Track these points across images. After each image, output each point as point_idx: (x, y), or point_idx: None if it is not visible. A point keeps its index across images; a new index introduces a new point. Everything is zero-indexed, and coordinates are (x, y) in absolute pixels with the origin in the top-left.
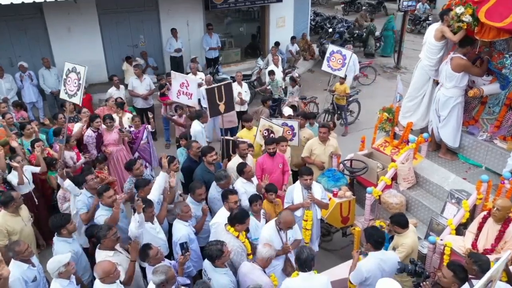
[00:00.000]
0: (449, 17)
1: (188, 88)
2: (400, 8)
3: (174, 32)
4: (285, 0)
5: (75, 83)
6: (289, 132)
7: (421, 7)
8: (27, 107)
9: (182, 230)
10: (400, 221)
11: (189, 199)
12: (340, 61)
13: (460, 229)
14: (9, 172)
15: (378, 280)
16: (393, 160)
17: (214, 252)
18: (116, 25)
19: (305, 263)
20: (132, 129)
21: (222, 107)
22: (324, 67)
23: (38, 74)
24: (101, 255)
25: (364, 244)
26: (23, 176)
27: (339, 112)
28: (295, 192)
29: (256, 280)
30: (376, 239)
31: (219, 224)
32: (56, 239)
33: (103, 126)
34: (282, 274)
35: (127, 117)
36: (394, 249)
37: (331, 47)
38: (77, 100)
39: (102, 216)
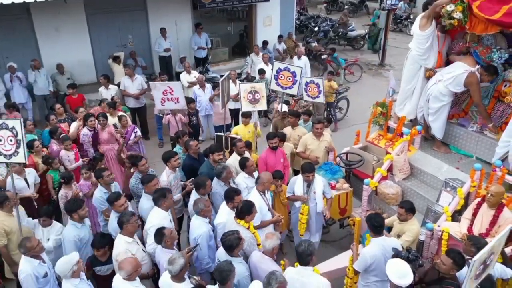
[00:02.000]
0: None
1: (173, 93)
2: (384, 7)
3: (163, 31)
4: None
5: (10, 140)
6: (315, 89)
7: (402, 6)
8: (19, 108)
9: (202, 227)
10: (413, 209)
11: (194, 194)
12: (290, 79)
13: (455, 216)
14: None
15: (387, 262)
16: (388, 153)
17: (234, 241)
18: (104, 25)
19: (301, 256)
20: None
21: (225, 99)
22: (273, 86)
23: (28, 75)
24: (120, 240)
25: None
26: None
27: (328, 109)
28: (296, 184)
29: (268, 269)
30: (373, 223)
31: (224, 224)
32: (68, 222)
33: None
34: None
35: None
36: (398, 236)
37: (277, 65)
38: (21, 158)
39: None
